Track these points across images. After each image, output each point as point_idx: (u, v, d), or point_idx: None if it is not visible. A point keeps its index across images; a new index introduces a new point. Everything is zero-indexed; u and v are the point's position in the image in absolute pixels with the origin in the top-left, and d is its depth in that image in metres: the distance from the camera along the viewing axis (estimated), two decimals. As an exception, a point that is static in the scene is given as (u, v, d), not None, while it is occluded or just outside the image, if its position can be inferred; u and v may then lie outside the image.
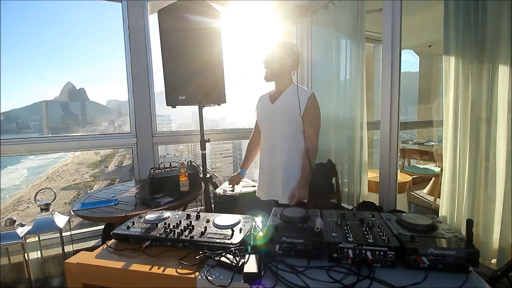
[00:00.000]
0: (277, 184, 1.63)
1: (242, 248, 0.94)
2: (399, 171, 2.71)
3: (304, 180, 1.55)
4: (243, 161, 1.94)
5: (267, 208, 1.25)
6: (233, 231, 1.03)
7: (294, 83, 1.66)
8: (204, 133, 2.12)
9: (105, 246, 1.06)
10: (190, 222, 1.12)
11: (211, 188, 2.16)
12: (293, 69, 1.67)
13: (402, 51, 1.88)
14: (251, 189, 2.16)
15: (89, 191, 2.76)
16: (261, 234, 0.97)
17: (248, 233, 1.01)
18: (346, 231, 0.95)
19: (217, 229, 1.06)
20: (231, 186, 2.01)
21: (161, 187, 1.97)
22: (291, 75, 1.67)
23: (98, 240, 2.31)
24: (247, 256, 0.86)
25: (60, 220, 1.82)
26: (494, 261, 1.53)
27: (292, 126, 1.58)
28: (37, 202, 1.81)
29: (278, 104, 1.64)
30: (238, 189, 2.16)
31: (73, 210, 1.71)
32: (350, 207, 1.58)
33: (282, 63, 1.61)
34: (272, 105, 1.66)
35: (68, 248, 2.03)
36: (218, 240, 0.98)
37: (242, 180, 2.03)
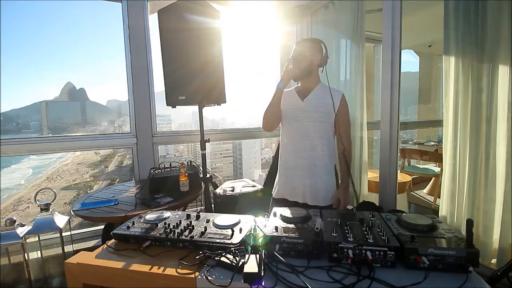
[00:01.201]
0: (302, 185, 1.56)
1: (242, 248, 0.94)
2: (399, 171, 2.71)
3: (345, 184, 1.54)
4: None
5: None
6: (233, 231, 1.03)
7: (321, 81, 1.62)
8: (204, 133, 2.12)
9: (105, 246, 1.06)
10: (190, 222, 1.12)
11: (211, 188, 2.16)
12: (322, 66, 1.60)
13: (402, 51, 1.88)
14: (251, 189, 2.17)
15: (89, 191, 2.75)
16: (261, 234, 0.97)
17: (248, 233, 1.01)
18: (346, 231, 0.95)
19: (217, 229, 1.06)
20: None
21: (161, 187, 1.97)
22: (318, 72, 1.62)
23: (98, 240, 2.31)
24: (247, 256, 0.86)
25: (60, 220, 1.82)
26: (494, 261, 1.53)
27: (323, 125, 1.54)
28: (37, 202, 1.81)
29: (309, 101, 1.56)
30: (238, 189, 2.16)
31: (73, 210, 1.71)
32: (350, 207, 1.57)
33: (311, 60, 1.55)
34: (302, 101, 1.57)
35: (68, 248, 2.03)
36: (218, 240, 0.98)
37: (242, 180, 2.02)
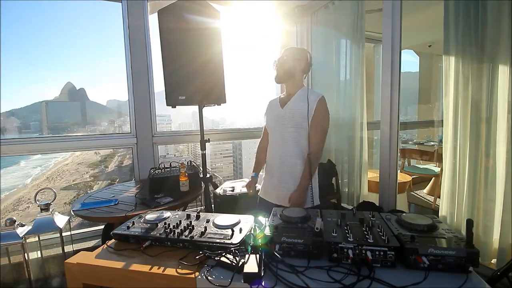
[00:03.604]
0: (282, 189, 1.61)
1: (242, 248, 0.93)
2: (399, 171, 2.71)
3: (302, 185, 1.52)
4: (254, 165, 1.85)
5: (269, 210, 1.24)
6: (233, 231, 1.03)
7: (305, 86, 1.63)
8: (204, 133, 2.12)
9: (105, 246, 1.06)
10: (190, 222, 1.12)
11: (211, 188, 2.16)
12: (305, 73, 1.63)
13: (402, 51, 1.88)
14: (251, 189, 2.16)
15: (89, 191, 2.76)
16: (261, 234, 0.97)
17: (248, 233, 1.01)
18: (346, 231, 0.95)
19: (217, 229, 1.06)
20: (246, 188, 1.88)
21: (161, 187, 1.97)
22: (302, 78, 1.63)
23: (98, 240, 2.31)
24: (247, 256, 0.86)
25: (60, 220, 1.82)
26: (494, 261, 1.53)
27: (300, 131, 1.55)
28: (37, 202, 1.81)
29: (288, 108, 1.60)
30: (238, 189, 2.16)
31: (73, 210, 1.71)
32: (350, 207, 1.57)
33: (294, 64, 1.58)
34: (282, 109, 1.62)
35: (68, 248, 2.03)
36: (218, 240, 0.98)
37: (242, 180, 2.02)
